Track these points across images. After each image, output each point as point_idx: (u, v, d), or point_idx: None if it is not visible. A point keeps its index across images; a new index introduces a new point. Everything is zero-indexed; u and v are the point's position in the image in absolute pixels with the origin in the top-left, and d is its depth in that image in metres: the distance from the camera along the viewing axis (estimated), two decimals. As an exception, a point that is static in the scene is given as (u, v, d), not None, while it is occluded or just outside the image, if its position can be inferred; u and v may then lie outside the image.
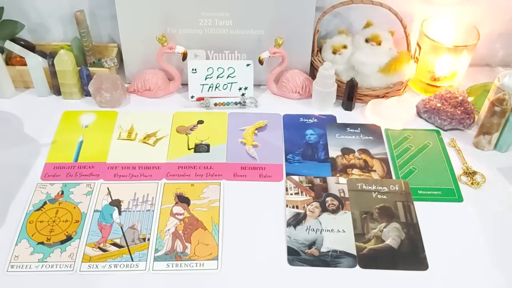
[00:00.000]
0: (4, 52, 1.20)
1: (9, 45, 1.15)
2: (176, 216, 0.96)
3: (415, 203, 0.99)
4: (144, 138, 1.11)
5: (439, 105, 1.15)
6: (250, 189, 1.01)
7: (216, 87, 1.19)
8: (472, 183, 1.03)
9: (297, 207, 0.98)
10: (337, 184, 1.02)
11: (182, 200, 0.99)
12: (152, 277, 0.87)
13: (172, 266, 0.88)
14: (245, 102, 1.18)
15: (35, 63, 1.15)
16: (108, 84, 1.15)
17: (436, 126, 1.16)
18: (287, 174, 1.04)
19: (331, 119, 1.17)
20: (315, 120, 1.17)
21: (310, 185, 1.02)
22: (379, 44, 1.18)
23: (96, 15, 1.24)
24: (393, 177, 1.04)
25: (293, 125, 1.15)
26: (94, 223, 0.94)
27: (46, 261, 0.88)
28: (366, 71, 1.17)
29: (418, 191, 1.01)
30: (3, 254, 0.89)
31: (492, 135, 1.08)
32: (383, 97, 1.21)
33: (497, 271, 0.88)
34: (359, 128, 1.15)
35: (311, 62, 1.23)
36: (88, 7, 1.22)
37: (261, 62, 1.17)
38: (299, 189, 1.01)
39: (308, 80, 1.21)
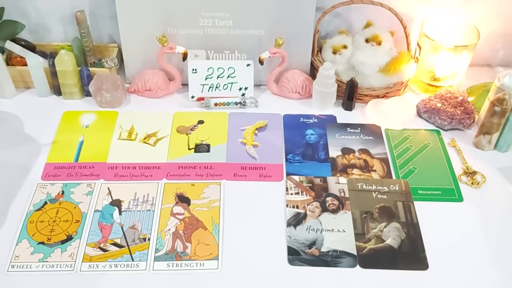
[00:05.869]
0: (4, 52, 1.20)
1: (9, 45, 1.15)
2: (177, 216, 0.96)
3: (415, 203, 0.99)
4: (145, 138, 1.11)
5: (439, 105, 1.15)
6: (250, 189, 1.01)
7: (216, 87, 1.19)
8: (472, 183, 1.03)
9: (297, 207, 0.98)
10: (337, 184, 1.02)
11: (183, 200, 0.99)
12: (152, 277, 0.87)
13: (173, 266, 0.88)
14: (245, 102, 1.18)
15: (36, 63, 1.15)
16: (109, 84, 1.15)
17: (436, 126, 1.16)
18: (287, 174, 1.04)
19: (331, 119, 1.17)
20: (315, 120, 1.17)
21: (310, 185, 1.02)
22: (379, 44, 1.18)
23: (97, 15, 1.24)
24: (393, 177, 1.04)
25: (293, 125, 1.15)
26: (94, 223, 0.94)
27: (47, 261, 0.88)
28: (366, 71, 1.17)
29: (418, 191, 1.01)
30: (3, 254, 0.89)
31: (492, 135, 1.08)
32: (383, 97, 1.21)
33: (497, 271, 0.88)
34: (359, 128, 1.15)
35: (311, 62, 1.23)
36: (89, 7, 1.22)
37: (261, 62, 1.17)
38: (299, 189, 1.01)
39: (308, 80, 1.21)
